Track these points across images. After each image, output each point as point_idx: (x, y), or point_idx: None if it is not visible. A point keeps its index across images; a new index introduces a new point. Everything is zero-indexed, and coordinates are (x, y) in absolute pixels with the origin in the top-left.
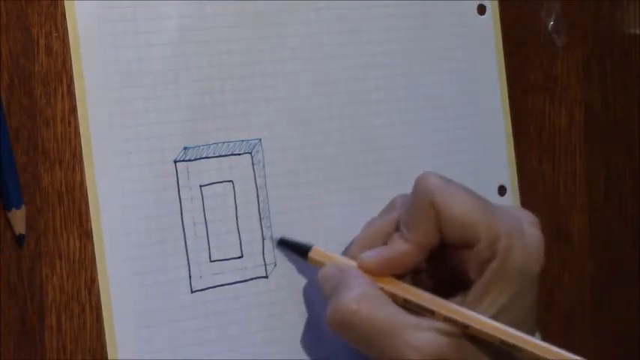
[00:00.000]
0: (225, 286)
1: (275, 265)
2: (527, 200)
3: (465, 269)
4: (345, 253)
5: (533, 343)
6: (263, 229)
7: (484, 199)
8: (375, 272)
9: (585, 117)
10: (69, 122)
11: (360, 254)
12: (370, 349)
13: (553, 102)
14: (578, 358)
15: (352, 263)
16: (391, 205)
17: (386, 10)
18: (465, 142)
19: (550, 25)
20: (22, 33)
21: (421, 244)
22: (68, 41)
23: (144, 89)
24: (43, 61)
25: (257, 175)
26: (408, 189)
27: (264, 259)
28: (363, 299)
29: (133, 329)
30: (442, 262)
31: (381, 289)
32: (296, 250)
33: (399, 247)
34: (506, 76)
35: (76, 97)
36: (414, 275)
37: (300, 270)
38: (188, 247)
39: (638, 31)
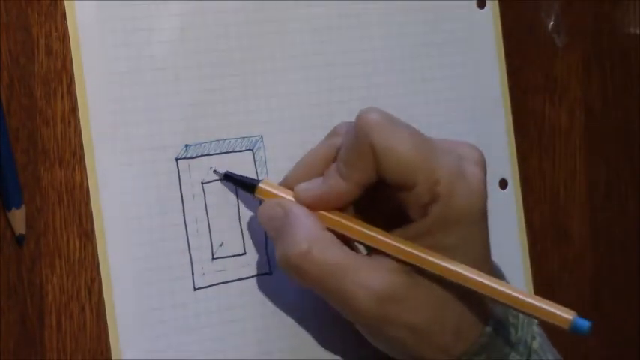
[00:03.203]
0: (228, 283)
1: None
2: (528, 200)
3: (404, 209)
4: (285, 180)
5: (483, 283)
6: None
7: (426, 138)
8: (310, 207)
9: (585, 117)
10: (69, 122)
11: (296, 186)
12: (323, 292)
13: (553, 102)
14: (529, 299)
15: (291, 198)
16: (333, 132)
17: (386, 5)
18: (465, 136)
19: (550, 25)
20: (22, 33)
21: (358, 183)
22: (68, 41)
23: (144, 87)
24: (43, 61)
25: (259, 172)
26: None
27: (267, 255)
28: (313, 241)
29: (136, 328)
30: (382, 197)
31: (329, 229)
32: (243, 185)
33: (336, 184)
34: (507, 76)
35: (77, 96)
36: (353, 206)
37: None
38: (190, 245)
39: (638, 31)
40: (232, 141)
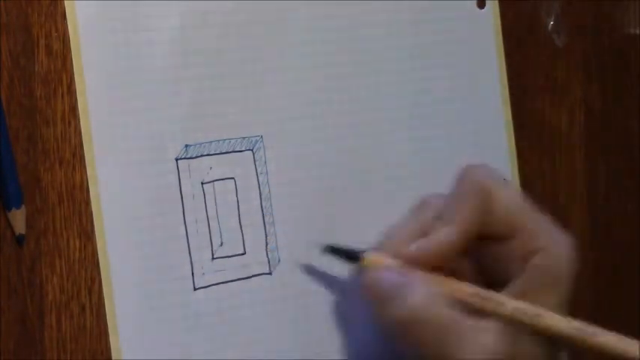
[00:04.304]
0: (228, 283)
1: (279, 261)
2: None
3: (503, 263)
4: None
5: (604, 335)
6: (266, 225)
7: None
8: (421, 262)
9: (585, 117)
10: (69, 122)
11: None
12: (437, 349)
13: (553, 102)
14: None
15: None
16: (423, 205)
17: (386, 5)
18: (465, 136)
19: (550, 25)
20: (22, 33)
21: (465, 230)
22: (68, 41)
23: (144, 87)
24: (43, 61)
25: (259, 172)
26: (409, 184)
27: (267, 256)
28: (433, 298)
29: (136, 328)
30: (478, 258)
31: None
32: (346, 256)
33: (444, 233)
34: (507, 76)
35: (77, 96)
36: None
37: None
38: (190, 245)
39: (638, 31)
40: (232, 141)
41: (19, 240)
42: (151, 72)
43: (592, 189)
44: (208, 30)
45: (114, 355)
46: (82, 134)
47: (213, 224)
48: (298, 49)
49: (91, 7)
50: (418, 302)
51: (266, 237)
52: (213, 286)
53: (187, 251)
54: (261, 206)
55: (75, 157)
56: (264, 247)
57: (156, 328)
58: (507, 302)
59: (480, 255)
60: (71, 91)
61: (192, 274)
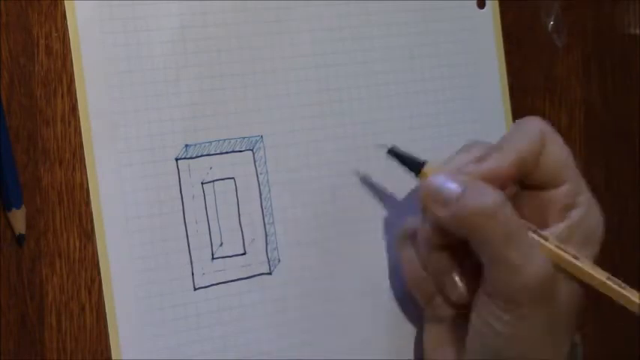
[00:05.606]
0: (228, 283)
1: (279, 261)
2: None
3: (544, 210)
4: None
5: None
6: (266, 225)
7: None
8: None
9: (585, 117)
10: (69, 122)
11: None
12: (500, 247)
13: (553, 102)
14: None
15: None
16: (466, 148)
17: (386, 5)
18: (465, 136)
19: (550, 25)
20: (22, 33)
21: (522, 159)
22: (68, 41)
23: (144, 87)
24: (43, 61)
25: (259, 172)
26: (409, 183)
27: (267, 256)
28: (504, 202)
29: (136, 328)
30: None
31: None
32: (406, 163)
33: (496, 158)
34: (507, 76)
35: (77, 96)
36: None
37: (305, 266)
38: (190, 245)
39: (638, 31)
40: (232, 141)
41: (19, 240)
42: (151, 72)
43: (592, 189)
44: (208, 30)
45: (114, 355)
46: (82, 134)
47: (213, 224)
48: (298, 49)
49: (91, 7)
50: (491, 202)
51: (266, 237)
52: (213, 286)
53: (187, 251)
54: (261, 206)
55: (75, 157)
56: (264, 247)
57: (156, 328)
58: (551, 239)
59: (517, 205)
60: (71, 91)
61: (192, 274)
